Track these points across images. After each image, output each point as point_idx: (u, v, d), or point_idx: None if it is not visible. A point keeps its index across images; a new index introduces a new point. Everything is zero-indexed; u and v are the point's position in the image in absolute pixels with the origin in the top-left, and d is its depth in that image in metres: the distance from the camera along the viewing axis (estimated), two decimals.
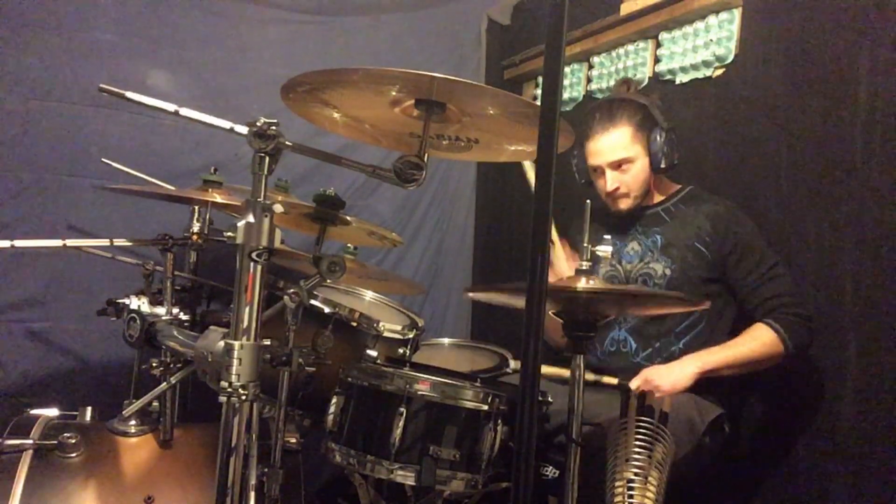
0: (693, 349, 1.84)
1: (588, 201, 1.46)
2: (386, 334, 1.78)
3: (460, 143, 1.35)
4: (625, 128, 1.93)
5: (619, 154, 1.93)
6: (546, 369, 1.87)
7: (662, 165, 1.92)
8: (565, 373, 1.79)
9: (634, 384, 1.72)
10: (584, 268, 1.41)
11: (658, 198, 2.02)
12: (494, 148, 1.41)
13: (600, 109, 2.01)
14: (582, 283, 1.37)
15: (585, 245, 1.41)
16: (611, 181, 1.96)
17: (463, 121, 1.25)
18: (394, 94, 1.19)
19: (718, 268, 1.86)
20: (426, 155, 1.19)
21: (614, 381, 1.82)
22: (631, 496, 1.41)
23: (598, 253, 1.44)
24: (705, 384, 1.82)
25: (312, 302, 1.65)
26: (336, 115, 1.33)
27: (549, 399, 1.63)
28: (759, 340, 1.76)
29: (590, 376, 1.81)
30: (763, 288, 1.80)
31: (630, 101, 1.99)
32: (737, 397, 1.92)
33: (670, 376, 1.71)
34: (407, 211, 3.07)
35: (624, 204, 1.99)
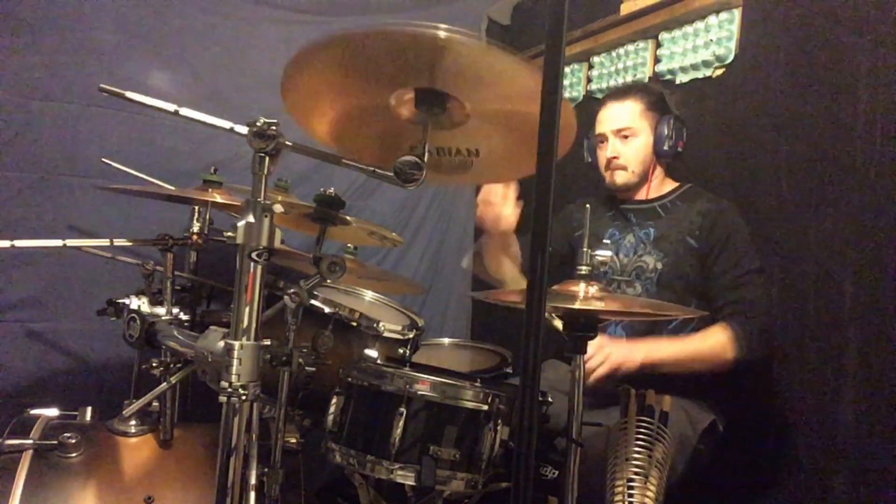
0: None
1: (588, 205, 1.46)
2: (386, 334, 1.78)
3: (461, 157, 1.34)
4: (636, 103, 2.00)
5: (624, 122, 1.98)
6: None
7: (665, 148, 1.95)
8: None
9: (594, 362, 1.68)
10: (583, 272, 1.41)
11: (656, 193, 2.03)
12: (494, 163, 1.38)
13: (618, 88, 2.16)
14: (581, 291, 1.38)
15: (585, 249, 1.42)
16: (611, 148, 2.01)
17: (466, 121, 1.24)
18: (393, 97, 1.18)
19: (707, 267, 1.86)
20: (426, 155, 1.18)
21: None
22: (631, 496, 1.41)
23: (597, 258, 1.44)
24: (701, 388, 1.83)
25: (312, 302, 1.65)
26: (334, 123, 1.32)
27: (550, 399, 1.62)
28: (711, 341, 1.76)
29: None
30: (733, 291, 1.79)
31: (647, 85, 2.09)
32: (735, 398, 1.92)
33: (624, 355, 1.71)
34: (407, 211, 3.07)
35: (620, 178, 2.01)
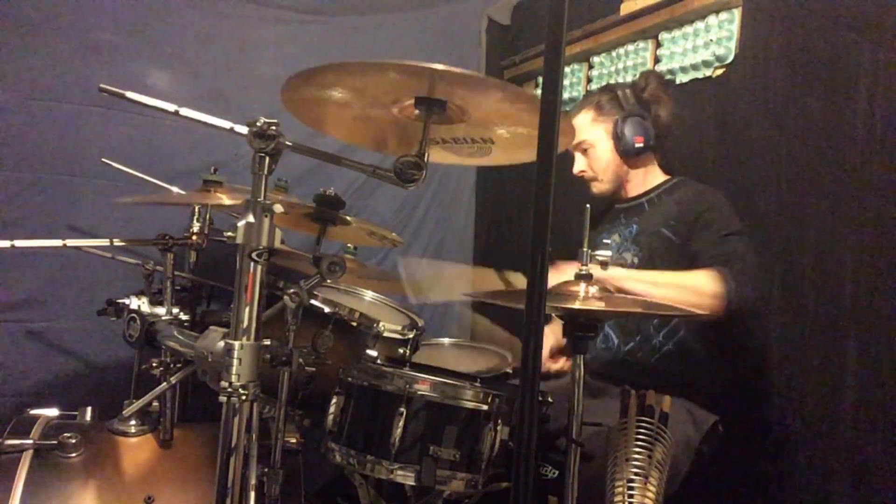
0: (673, 341, 1.84)
1: (588, 205, 1.46)
2: (386, 334, 1.78)
3: (478, 144, 1.34)
4: (588, 111, 2.00)
5: (579, 136, 1.99)
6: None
7: (623, 149, 1.94)
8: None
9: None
10: (583, 273, 1.41)
11: (645, 188, 2.02)
12: (512, 148, 1.39)
13: (578, 102, 2.12)
14: (581, 292, 1.39)
15: (585, 249, 1.41)
16: (576, 164, 2.04)
17: (463, 120, 1.25)
18: (393, 88, 1.19)
19: (686, 252, 1.82)
20: (426, 155, 1.18)
21: None
22: (631, 496, 1.41)
23: (598, 258, 1.44)
24: (700, 386, 1.83)
25: (312, 302, 1.65)
26: (336, 116, 1.33)
27: (550, 399, 1.63)
28: (696, 277, 1.68)
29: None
30: (716, 247, 1.75)
31: (605, 87, 2.07)
32: (735, 397, 1.92)
33: None
34: (407, 211, 3.07)
35: (596, 188, 2.03)
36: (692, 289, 1.66)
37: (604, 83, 2.59)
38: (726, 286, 1.66)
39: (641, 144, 1.93)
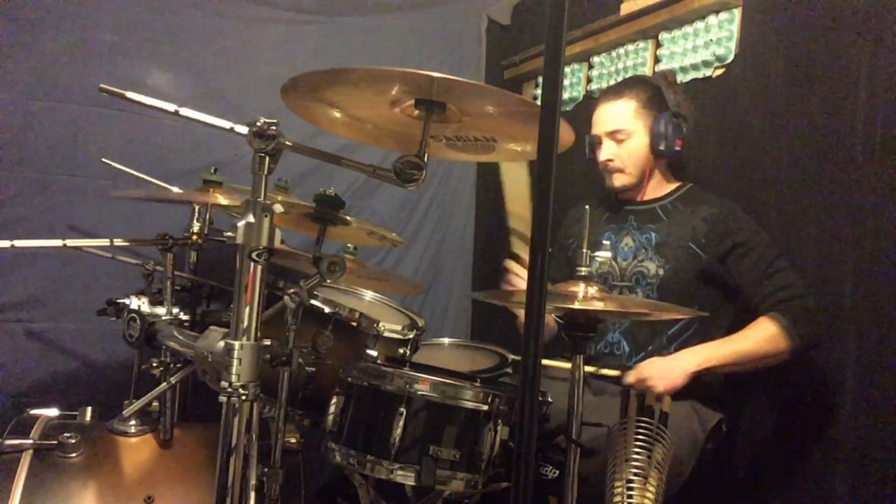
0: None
1: (587, 206, 1.46)
2: (386, 334, 1.78)
3: (480, 142, 1.34)
4: (630, 101, 1.95)
5: (617, 124, 1.94)
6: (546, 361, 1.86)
7: (662, 147, 1.90)
8: (565, 365, 1.78)
9: (628, 379, 1.68)
10: (583, 273, 1.41)
11: (656, 193, 2.00)
12: (516, 143, 1.40)
13: (615, 84, 2.06)
14: (581, 292, 1.39)
15: (584, 250, 1.41)
16: (605, 151, 1.97)
17: (463, 120, 1.25)
18: (394, 93, 1.19)
19: (713, 270, 1.83)
20: (426, 155, 1.19)
21: (615, 372, 1.78)
22: (630, 496, 1.41)
23: (597, 259, 1.44)
24: (703, 387, 1.82)
25: (312, 302, 1.65)
26: (337, 114, 1.33)
27: (549, 399, 1.63)
28: (761, 335, 1.71)
29: (590, 368, 1.79)
30: (766, 282, 1.75)
31: (644, 79, 2.01)
32: (736, 398, 1.92)
33: (667, 377, 1.65)
34: (407, 211, 3.07)
35: (618, 180, 1.98)
36: (763, 352, 1.70)
37: (604, 83, 2.59)
38: (786, 334, 1.68)
39: (679, 148, 1.91)
